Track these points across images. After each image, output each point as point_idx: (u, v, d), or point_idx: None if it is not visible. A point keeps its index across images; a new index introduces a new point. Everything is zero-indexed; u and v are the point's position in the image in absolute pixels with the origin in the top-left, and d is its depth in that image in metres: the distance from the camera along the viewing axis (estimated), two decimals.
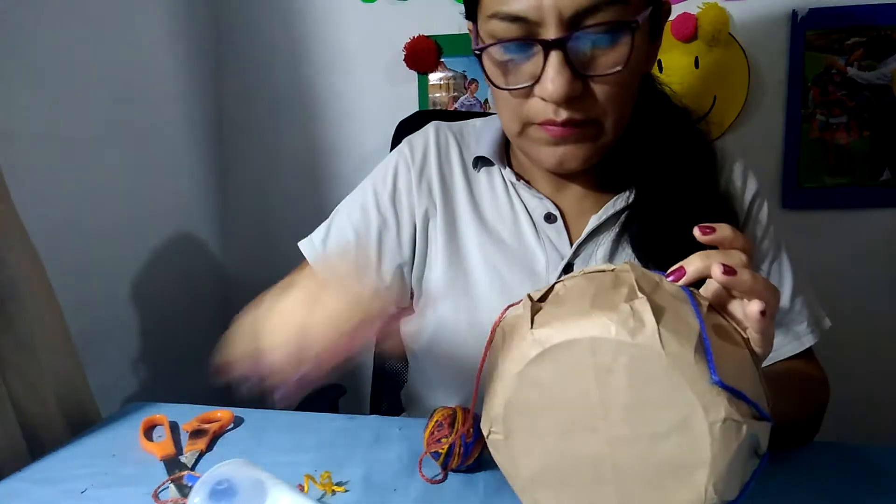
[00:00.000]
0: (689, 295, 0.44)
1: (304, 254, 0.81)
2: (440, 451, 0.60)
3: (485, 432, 0.47)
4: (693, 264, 0.46)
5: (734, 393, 0.40)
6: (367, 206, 0.80)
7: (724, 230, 0.47)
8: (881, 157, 1.24)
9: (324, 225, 0.83)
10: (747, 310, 0.44)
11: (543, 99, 0.62)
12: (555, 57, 0.59)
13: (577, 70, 0.60)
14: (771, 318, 0.45)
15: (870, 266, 1.28)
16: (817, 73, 1.24)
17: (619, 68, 0.61)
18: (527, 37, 0.60)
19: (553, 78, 0.59)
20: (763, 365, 0.71)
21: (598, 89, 0.62)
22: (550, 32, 0.59)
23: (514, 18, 0.60)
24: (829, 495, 0.59)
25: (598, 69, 0.61)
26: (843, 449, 0.67)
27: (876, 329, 1.29)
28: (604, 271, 0.47)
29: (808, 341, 0.73)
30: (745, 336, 0.45)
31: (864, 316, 1.28)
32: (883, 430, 1.29)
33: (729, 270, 0.44)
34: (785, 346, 0.72)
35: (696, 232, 0.47)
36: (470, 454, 0.61)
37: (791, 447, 0.67)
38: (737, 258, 0.45)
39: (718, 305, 0.46)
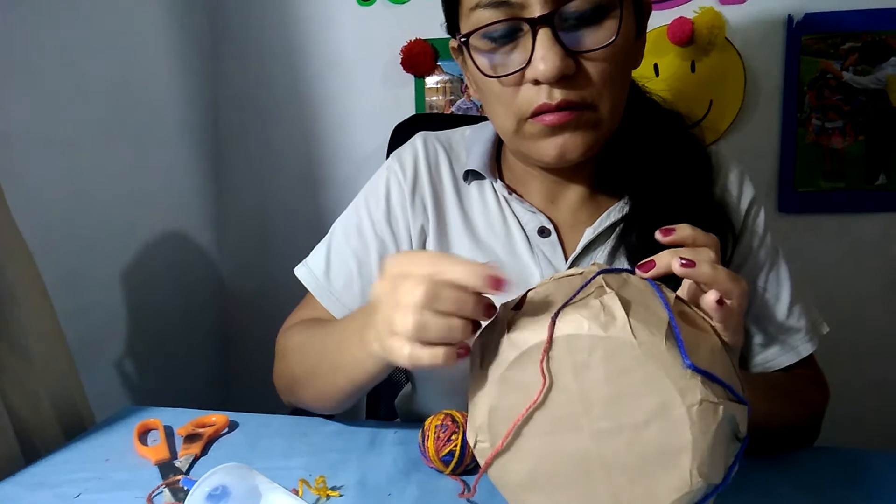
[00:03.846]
0: (657, 288, 0.46)
1: (306, 286, 0.78)
2: (454, 449, 0.60)
3: (471, 442, 0.47)
4: (662, 259, 0.48)
5: (707, 376, 0.41)
6: (363, 228, 0.77)
7: (683, 230, 0.50)
8: (876, 162, 1.24)
9: (321, 250, 0.79)
10: (705, 299, 0.46)
11: (537, 82, 0.61)
12: (543, 35, 0.59)
13: (568, 48, 0.60)
14: (736, 308, 0.47)
15: (865, 270, 1.28)
16: (813, 77, 1.24)
17: (612, 39, 0.60)
18: (513, 17, 0.60)
19: (544, 56, 0.59)
20: (761, 372, 0.72)
21: (591, 68, 0.61)
22: (536, 12, 0.59)
23: (498, 4, 0.59)
24: (822, 499, 0.59)
25: (589, 45, 0.60)
26: (838, 453, 0.67)
27: (871, 332, 1.29)
28: (572, 275, 0.49)
29: (806, 350, 0.73)
30: (713, 325, 0.47)
31: (860, 319, 1.28)
32: (878, 435, 1.30)
33: (687, 263, 0.47)
34: (784, 356, 0.72)
35: (658, 235, 0.50)
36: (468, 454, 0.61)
37: (790, 450, 0.67)
38: (704, 254, 0.48)
39: (692, 301, 0.48)
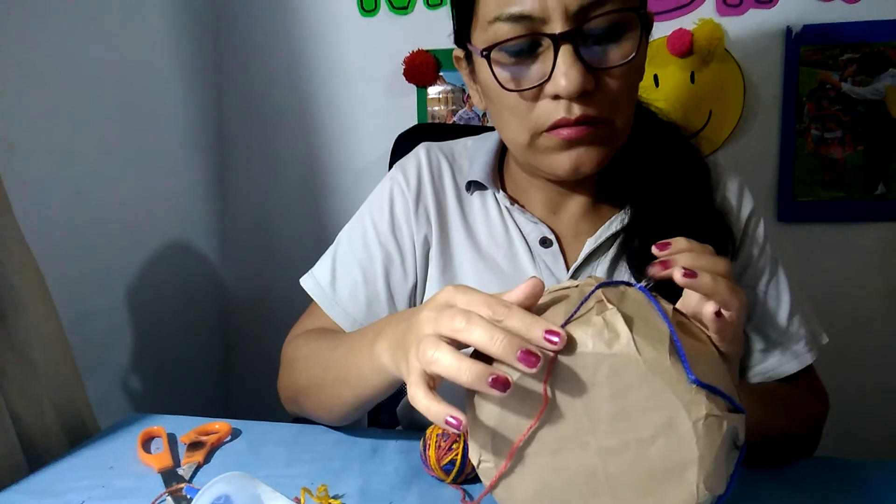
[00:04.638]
0: (654, 300, 0.46)
1: (312, 296, 0.78)
2: (455, 458, 0.60)
3: (474, 462, 0.47)
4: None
5: (711, 389, 0.42)
6: (367, 238, 0.77)
7: (679, 244, 0.50)
8: (875, 171, 1.25)
9: (327, 261, 0.79)
10: (703, 310, 0.47)
11: (557, 97, 0.60)
12: (565, 51, 0.59)
13: (589, 64, 0.60)
14: (736, 319, 0.47)
15: (864, 279, 1.29)
16: (812, 88, 1.25)
17: (632, 56, 0.60)
18: (535, 33, 0.60)
19: (566, 71, 0.58)
20: (761, 383, 0.72)
21: (611, 84, 0.61)
22: (557, 28, 0.59)
23: (519, 18, 0.59)
24: None
25: (609, 62, 0.61)
26: (838, 463, 0.67)
27: (870, 341, 1.29)
28: (568, 288, 0.48)
29: (806, 360, 0.73)
30: (708, 334, 0.47)
31: (859, 328, 1.28)
32: (876, 444, 1.30)
33: (689, 273, 0.47)
34: (784, 366, 0.73)
35: (654, 249, 0.50)
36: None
37: (790, 460, 0.67)
38: (705, 262, 0.48)
39: (691, 313, 0.49)
